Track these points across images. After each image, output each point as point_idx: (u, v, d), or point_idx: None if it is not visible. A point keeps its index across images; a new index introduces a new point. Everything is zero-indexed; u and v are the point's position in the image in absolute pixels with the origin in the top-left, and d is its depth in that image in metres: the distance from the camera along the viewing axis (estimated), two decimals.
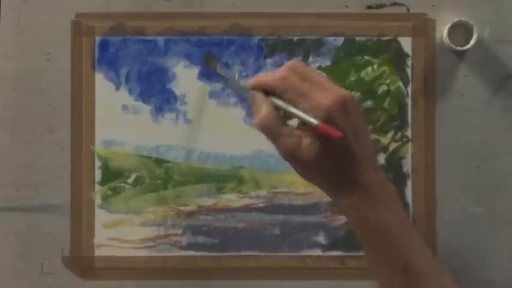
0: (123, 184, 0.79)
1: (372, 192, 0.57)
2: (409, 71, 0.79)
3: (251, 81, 0.61)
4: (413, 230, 0.60)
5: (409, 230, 0.59)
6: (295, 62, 0.59)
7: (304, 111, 0.56)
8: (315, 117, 0.55)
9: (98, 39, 0.79)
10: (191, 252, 0.78)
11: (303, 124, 0.57)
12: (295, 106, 0.57)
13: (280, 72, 0.58)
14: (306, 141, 0.57)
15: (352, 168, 0.57)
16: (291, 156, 0.58)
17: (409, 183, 0.78)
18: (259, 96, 0.59)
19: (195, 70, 0.79)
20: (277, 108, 0.58)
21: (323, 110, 0.55)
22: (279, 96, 0.58)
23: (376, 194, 0.58)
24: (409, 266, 0.57)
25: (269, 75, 0.59)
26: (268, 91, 0.59)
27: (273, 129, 0.58)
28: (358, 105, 0.58)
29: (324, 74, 0.58)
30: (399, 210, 0.59)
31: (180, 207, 0.79)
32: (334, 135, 0.54)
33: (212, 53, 0.78)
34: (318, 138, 0.56)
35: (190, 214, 0.79)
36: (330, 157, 0.57)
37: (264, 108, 0.58)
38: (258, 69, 0.78)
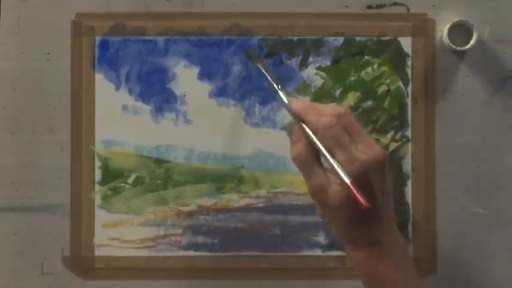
0: (123, 184, 0.79)
1: (387, 250, 0.58)
2: (409, 71, 0.79)
3: (294, 105, 0.60)
4: (419, 282, 0.61)
5: (415, 284, 0.60)
6: (343, 110, 0.58)
7: (340, 162, 0.56)
8: (349, 171, 0.55)
9: (98, 39, 0.79)
10: (191, 252, 0.78)
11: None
12: (332, 154, 0.57)
13: (326, 118, 0.58)
14: (334, 187, 0.57)
15: (373, 227, 0.58)
16: (317, 195, 0.58)
17: (409, 183, 0.78)
18: (298, 130, 0.60)
19: (195, 70, 0.79)
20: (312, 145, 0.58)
21: (358, 165, 0.56)
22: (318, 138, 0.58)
23: (391, 251, 0.58)
24: None
25: (314, 114, 0.59)
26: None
27: (306, 166, 0.58)
28: (391, 164, 0.59)
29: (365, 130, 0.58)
30: (409, 266, 0.60)
31: (180, 207, 0.79)
32: (363, 203, 0.54)
33: (251, 48, 0.77)
34: (345, 188, 0.56)
35: (190, 214, 0.79)
36: (353, 209, 0.57)
37: (299, 142, 0.59)
38: (258, 69, 0.78)
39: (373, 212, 0.57)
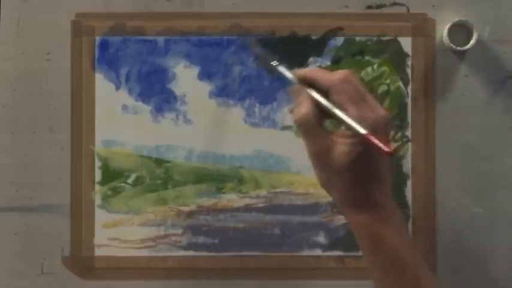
0: (123, 184, 0.79)
1: (389, 213, 0.58)
2: (409, 71, 0.79)
3: (301, 72, 0.61)
4: (418, 251, 0.61)
5: (411, 246, 0.60)
6: (350, 71, 0.59)
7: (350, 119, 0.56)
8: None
9: (98, 39, 0.79)
10: (191, 252, 0.78)
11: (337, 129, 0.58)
12: (343, 111, 0.57)
13: (340, 74, 0.58)
14: (341, 148, 0.57)
15: (376, 187, 0.58)
16: (319, 158, 0.58)
17: (409, 183, 0.78)
18: (304, 91, 0.59)
19: (195, 70, 0.79)
20: (318, 106, 0.58)
21: (370, 124, 0.56)
22: (325, 96, 0.58)
23: (392, 215, 0.58)
24: (418, 279, 0.58)
25: (325, 73, 0.59)
26: (314, 87, 0.59)
27: (310, 128, 0.58)
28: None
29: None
30: (406, 232, 0.60)
31: (180, 207, 0.79)
32: (384, 150, 0.54)
33: (254, 38, 0.77)
34: (353, 148, 0.56)
35: (190, 214, 0.79)
36: (358, 171, 0.57)
37: (305, 104, 0.58)
38: (258, 69, 0.78)
39: (375, 172, 0.57)
